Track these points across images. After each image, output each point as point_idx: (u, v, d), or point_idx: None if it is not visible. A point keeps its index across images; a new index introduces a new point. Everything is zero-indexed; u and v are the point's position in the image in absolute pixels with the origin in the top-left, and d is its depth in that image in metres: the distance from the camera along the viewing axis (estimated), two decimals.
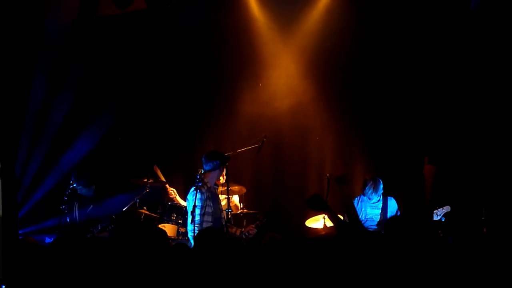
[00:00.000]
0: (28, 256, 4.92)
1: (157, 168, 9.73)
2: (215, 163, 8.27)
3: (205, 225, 8.09)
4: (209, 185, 8.28)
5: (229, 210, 8.55)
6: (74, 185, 8.82)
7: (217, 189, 8.43)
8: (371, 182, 9.16)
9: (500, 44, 9.44)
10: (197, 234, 7.85)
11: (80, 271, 4.65)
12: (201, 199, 8.16)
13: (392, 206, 9.16)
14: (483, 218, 8.52)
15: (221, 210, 8.33)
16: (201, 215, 8.17)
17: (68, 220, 8.84)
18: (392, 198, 9.20)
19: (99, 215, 8.77)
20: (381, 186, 9.18)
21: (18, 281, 4.86)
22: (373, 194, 9.10)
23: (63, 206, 8.88)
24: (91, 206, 8.83)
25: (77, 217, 8.82)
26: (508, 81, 9.42)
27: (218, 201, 8.35)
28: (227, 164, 8.62)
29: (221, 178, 8.65)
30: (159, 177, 9.69)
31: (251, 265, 4.95)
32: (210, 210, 8.21)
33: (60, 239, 5.03)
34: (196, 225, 8.15)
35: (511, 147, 9.40)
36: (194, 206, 8.01)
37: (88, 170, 9.12)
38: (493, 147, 9.54)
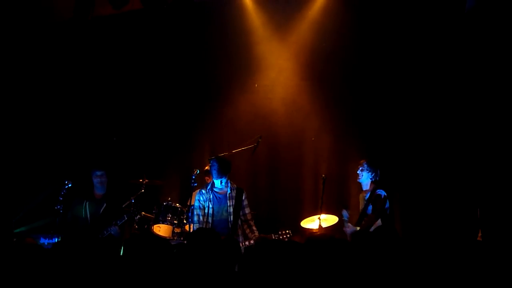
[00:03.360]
0: (28, 257, 4.91)
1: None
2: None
3: (204, 225, 8.20)
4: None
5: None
6: (95, 180, 8.84)
7: (228, 191, 8.43)
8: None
9: (495, 44, 9.45)
10: (189, 234, 7.90)
11: (88, 271, 4.66)
12: (198, 200, 8.30)
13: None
14: (478, 219, 8.54)
15: (229, 213, 8.31)
16: (198, 215, 8.24)
17: (70, 219, 8.79)
18: (382, 191, 8.77)
19: (112, 214, 8.77)
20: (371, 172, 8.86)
21: (14, 283, 4.85)
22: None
23: (59, 206, 8.87)
24: (105, 204, 8.83)
25: (88, 217, 8.78)
26: (505, 81, 9.43)
27: (223, 203, 8.36)
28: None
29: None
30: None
31: (241, 266, 4.96)
32: (210, 212, 8.24)
33: (69, 239, 5.04)
34: (193, 225, 8.31)
35: (508, 148, 9.41)
36: (190, 206, 8.08)
37: (101, 164, 9.15)
38: (489, 148, 9.55)
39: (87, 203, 8.83)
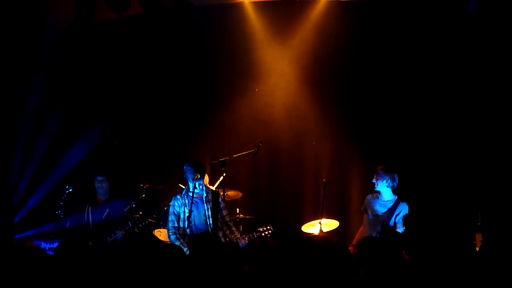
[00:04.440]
0: (28, 260, 4.91)
1: None
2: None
3: (181, 231, 8.37)
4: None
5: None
6: (97, 185, 8.83)
7: (204, 195, 8.48)
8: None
9: (496, 48, 9.46)
10: (192, 239, 7.91)
11: (89, 276, 4.66)
12: (173, 205, 8.56)
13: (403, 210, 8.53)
14: (479, 224, 8.53)
15: (207, 216, 8.35)
16: (172, 221, 8.48)
17: (71, 224, 8.77)
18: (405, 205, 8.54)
19: (116, 219, 8.75)
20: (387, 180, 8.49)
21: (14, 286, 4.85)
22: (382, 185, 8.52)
23: (59, 211, 8.87)
24: (107, 209, 8.80)
25: (91, 221, 8.76)
26: (506, 84, 9.44)
27: (201, 207, 8.41)
28: (223, 168, 8.75)
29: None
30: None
31: (241, 270, 4.96)
32: (183, 216, 8.30)
33: (68, 243, 5.03)
34: (168, 230, 8.53)
35: (509, 151, 9.41)
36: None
37: (102, 169, 9.13)
38: (491, 152, 9.55)
39: (90, 208, 8.82)
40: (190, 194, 8.40)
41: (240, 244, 8.21)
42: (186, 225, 8.32)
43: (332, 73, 10.64)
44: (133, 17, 10.19)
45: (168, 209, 9.50)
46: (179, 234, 8.39)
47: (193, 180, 8.38)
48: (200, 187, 8.47)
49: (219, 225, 8.42)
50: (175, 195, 8.63)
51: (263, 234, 8.53)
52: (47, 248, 8.46)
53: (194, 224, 8.38)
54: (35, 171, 10.48)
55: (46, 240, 8.91)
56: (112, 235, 8.49)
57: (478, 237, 8.38)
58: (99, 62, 10.72)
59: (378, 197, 8.61)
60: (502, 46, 9.40)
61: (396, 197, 8.52)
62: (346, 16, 10.45)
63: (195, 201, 8.40)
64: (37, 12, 9.66)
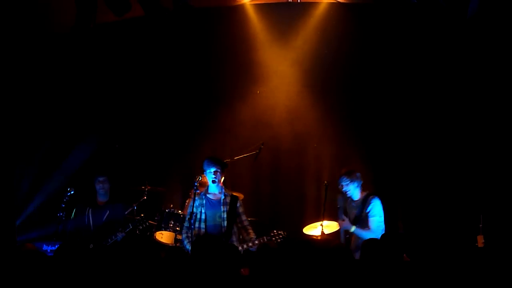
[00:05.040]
0: (28, 262, 4.91)
1: None
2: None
3: (198, 231, 8.21)
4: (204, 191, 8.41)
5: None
6: (98, 186, 8.81)
7: (222, 197, 8.40)
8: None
9: (497, 51, 9.46)
10: (194, 240, 7.89)
11: (88, 278, 4.66)
12: (191, 205, 8.35)
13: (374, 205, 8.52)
14: (480, 225, 8.53)
15: (223, 219, 8.30)
16: (187, 220, 8.37)
17: (72, 226, 8.76)
18: (377, 198, 8.57)
19: (116, 221, 8.74)
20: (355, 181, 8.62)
21: None
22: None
23: (61, 213, 8.87)
24: (108, 211, 8.78)
25: (91, 224, 8.74)
26: (507, 87, 9.43)
27: (217, 208, 8.34)
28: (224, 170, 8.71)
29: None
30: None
31: (237, 273, 4.96)
32: (203, 217, 8.24)
33: (66, 245, 5.03)
34: (183, 230, 8.42)
35: (510, 153, 9.40)
36: (186, 215, 8.22)
37: (103, 169, 9.11)
38: (492, 155, 9.55)
39: (90, 210, 8.80)
40: (209, 195, 8.36)
41: (252, 249, 8.13)
42: (197, 226, 8.25)
43: (333, 75, 10.64)
44: (134, 20, 10.19)
45: (169, 211, 9.53)
46: (193, 234, 8.31)
47: (212, 181, 8.34)
48: (218, 189, 8.43)
49: (235, 229, 8.35)
50: (195, 196, 8.56)
51: (273, 238, 8.41)
52: (48, 251, 8.45)
53: (209, 226, 8.29)
54: (37, 174, 10.50)
55: (48, 243, 8.90)
56: (113, 237, 8.47)
57: (480, 239, 8.38)
58: (100, 65, 10.72)
59: (349, 200, 8.69)
60: (503, 48, 9.40)
61: (366, 193, 8.58)
62: (348, 18, 10.45)
63: (212, 202, 8.36)
64: (37, 14, 9.67)
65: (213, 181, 8.28)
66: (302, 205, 10.63)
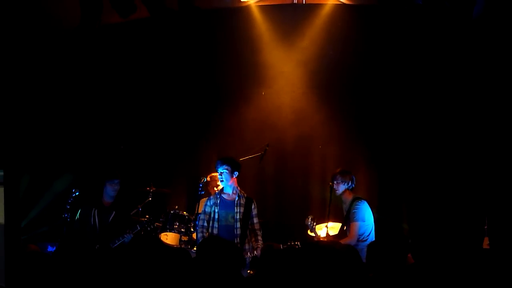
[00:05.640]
0: (31, 263, 4.92)
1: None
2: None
3: (210, 230, 8.18)
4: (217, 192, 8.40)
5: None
6: (110, 188, 8.81)
7: (236, 198, 8.35)
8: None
9: (503, 51, 9.44)
10: (199, 242, 7.88)
11: (91, 279, 4.66)
12: (206, 205, 8.32)
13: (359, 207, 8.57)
14: (486, 227, 8.51)
15: (236, 220, 8.27)
16: (202, 220, 8.29)
17: (78, 227, 8.75)
18: (364, 202, 8.62)
19: (122, 222, 8.73)
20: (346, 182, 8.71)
21: None
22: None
23: (66, 214, 8.87)
24: (114, 212, 8.77)
25: (97, 225, 8.73)
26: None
27: (230, 209, 8.33)
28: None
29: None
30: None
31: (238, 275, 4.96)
32: (216, 216, 8.21)
33: (69, 246, 5.03)
34: (197, 228, 8.39)
35: None
36: (197, 214, 8.11)
37: (115, 169, 9.11)
38: (497, 154, 9.53)
39: (96, 211, 8.79)
40: (224, 195, 8.33)
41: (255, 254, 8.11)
42: (211, 226, 8.23)
43: (338, 76, 10.63)
44: (139, 21, 10.21)
45: (174, 213, 9.53)
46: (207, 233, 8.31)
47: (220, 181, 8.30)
48: (232, 189, 8.40)
49: (247, 233, 8.30)
50: (210, 196, 8.54)
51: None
52: (53, 251, 8.45)
53: (221, 226, 8.24)
54: (43, 173, 10.53)
55: (53, 243, 8.92)
56: (121, 238, 8.46)
57: (485, 241, 8.36)
58: (105, 66, 10.74)
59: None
60: (509, 49, 9.38)
61: (353, 196, 8.64)
62: (353, 19, 10.45)
63: (226, 202, 8.32)
64: (43, 15, 9.69)
65: (221, 181, 8.28)
66: (307, 206, 10.62)
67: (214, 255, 4.81)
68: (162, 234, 9.49)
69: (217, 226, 8.16)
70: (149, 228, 8.61)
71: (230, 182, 8.26)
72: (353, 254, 4.89)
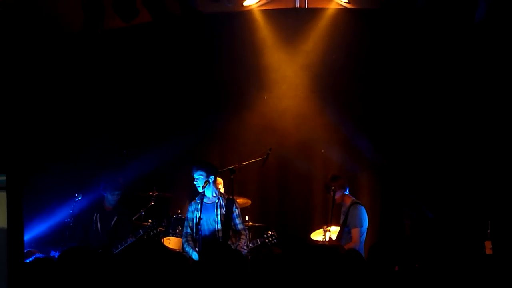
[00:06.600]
0: (34, 268, 4.92)
1: None
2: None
3: (194, 235, 8.26)
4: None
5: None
6: (105, 194, 8.80)
7: (216, 200, 8.40)
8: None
9: (505, 55, 9.45)
10: (201, 246, 7.89)
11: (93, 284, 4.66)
12: (189, 210, 8.45)
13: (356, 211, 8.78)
14: (488, 231, 8.51)
15: (217, 223, 8.30)
16: (186, 226, 8.42)
17: (80, 232, 8.75)
18: (363, 207, 8.84)
19: (124, 226, 8.73)
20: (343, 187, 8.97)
21: None
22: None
23: (69, 219, 8.88)
24: (116, 217, 8.77)
25: (99, 229, 8.73)
26: None
27: (210, 212, 8.33)
28: (232, 176, 8.69)
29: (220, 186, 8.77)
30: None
31: (248, 279, 4.95)
32: (198, 221, 8.23)
33: (75, 252, 5.03)
34: (183, 234, 8.46)
35: None
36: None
37: (118, 178, 9.11)
38: (501, 158, 9.53)
39: (98, 216, 8.80)
40: (205, 199, 8.36)
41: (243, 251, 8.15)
42: (194, 232, 8.27)
43: (341, 80, 10.63)
44: (142, 26, 10.21)
45: (176, 217, 9.54)
46: (191, 239, 8.34)
47: (202, 187, 8.33)
48: (212, 192, 8.41)
49: (231, 233, 8.37)
50: (192, 201, 8.59)
51: (266, 240, 8.55)
52: (56, 256, 8.46)
53: (204, 230, 8.29)
54: (46, 177, 10.51)
55: (56, 248, 8.92)
56: (124, 243, 8.47)
57: (488, 245, 8.36)
58: (108, 70, 10.75)
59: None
60: (511, 53, 9.38)
61: (351, 201, 8.88)
62: (355, 23, 10.45)
63: (206, 206, 8.35)
64: (45, 20, 9.71)
65: (198, 187, 8.35)
66: (310, 211, 10.63)
67: (217, 261, 4.81)
68: (164, 238, 9.49)
69: (200, 230, 8.16)
70: (152, 233, 8.61)
71: (205, 186, 8.27)
72: (357, 258, 4.90)
